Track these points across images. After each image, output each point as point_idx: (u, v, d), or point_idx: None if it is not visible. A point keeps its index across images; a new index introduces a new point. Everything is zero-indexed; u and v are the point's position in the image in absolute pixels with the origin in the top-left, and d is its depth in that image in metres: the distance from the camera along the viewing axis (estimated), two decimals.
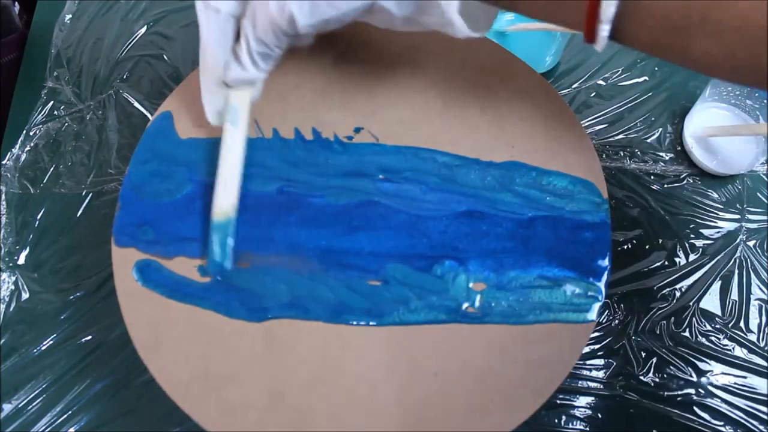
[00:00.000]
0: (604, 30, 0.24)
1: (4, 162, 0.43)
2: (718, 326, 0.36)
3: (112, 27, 0.48)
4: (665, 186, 0.40)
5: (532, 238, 0.31)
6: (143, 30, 0.48)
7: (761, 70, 0.22)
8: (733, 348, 0.35)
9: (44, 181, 0.42)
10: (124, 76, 0.46)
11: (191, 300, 0.30)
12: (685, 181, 0.40)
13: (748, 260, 0.37)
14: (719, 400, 0.34)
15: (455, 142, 0.33)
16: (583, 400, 0.34)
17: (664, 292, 0.37)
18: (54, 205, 0.42)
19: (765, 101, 0.39)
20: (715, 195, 0.39)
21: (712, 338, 0.36)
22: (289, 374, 0.28)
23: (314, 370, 0.29)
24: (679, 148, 0.41)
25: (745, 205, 0.39)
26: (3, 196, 0.42)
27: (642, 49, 0.25)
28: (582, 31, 0.25)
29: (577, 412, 0.34)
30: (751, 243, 0.38)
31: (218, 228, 0.30)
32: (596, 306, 0.29)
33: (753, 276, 0.37)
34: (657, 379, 0.35)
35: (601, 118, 0.42)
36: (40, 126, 0.45)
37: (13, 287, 0.39)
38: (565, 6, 0.25)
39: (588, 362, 0.35)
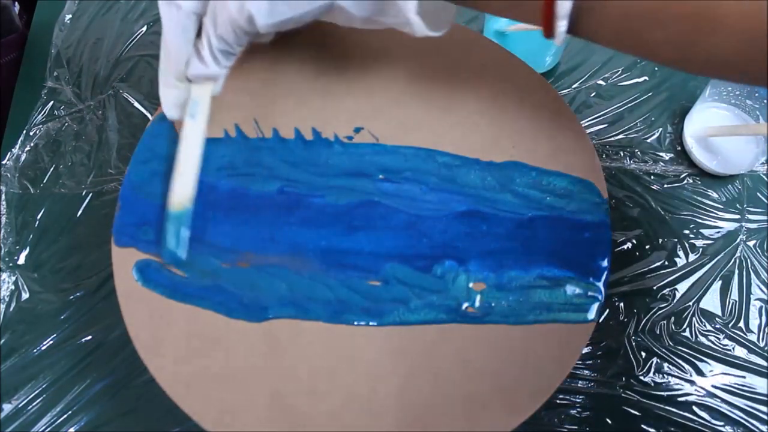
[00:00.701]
0: (561, 26, 0.25)
1: (4, 162, 0.43)
2: (718, 326, 0.36)
3: (112, 27, 0.48)
4: (665, 186, 0.40)
5: (532, 238, 0.31)
6: (143, 30, 0.48)
7: (699, 57, 0.23)
8: (733, 348, 0.35)
9: (44, 181, 0.42)
10: (124, 76, 0.46)
11: (191, 300, 0.30)
12: (685, 181, 0.40)
13: (748, 260, 0.37)
14: (719, 400, 0.34)
15: (455, 142, 0.33)
16: (582, 401, 0.34)
17: (664, 292, 0.37)
18: (54, 205, 0.42)
19: (765, 101, 0.39)
20: (715, 195, 0.39)
21: (712, 338, 0.36)
22: (289, 374, 0.29)
23: (314, 370, 0.29)
24: (679, 148, 0.41)
25: (745, 205, 0.39)
26: (3, 196, 0.42)
27: (604, 44, 0.26)
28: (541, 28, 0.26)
29: (576, 413, 0.34)
30: (751, 243, 0.38)
31: (174, 218, 0.30)
32: (596, 306, 0.29)
33: (753, 276, 0.37)
34: (657, 379, 0.35)
35: (601, 118, 0.42)
36: (40, 126, 0.45)
37: (13, 287, 0.39)
38: (524, 5, 0.26)
39: (588, 362, 0.35)
